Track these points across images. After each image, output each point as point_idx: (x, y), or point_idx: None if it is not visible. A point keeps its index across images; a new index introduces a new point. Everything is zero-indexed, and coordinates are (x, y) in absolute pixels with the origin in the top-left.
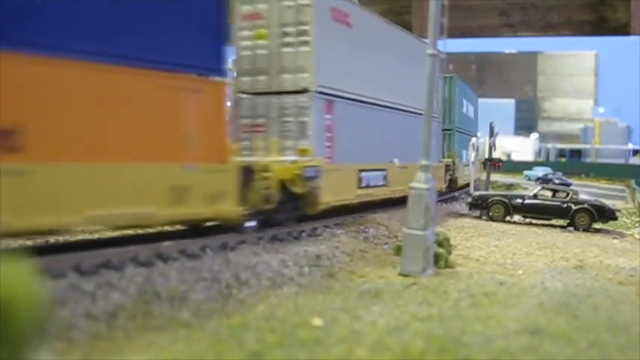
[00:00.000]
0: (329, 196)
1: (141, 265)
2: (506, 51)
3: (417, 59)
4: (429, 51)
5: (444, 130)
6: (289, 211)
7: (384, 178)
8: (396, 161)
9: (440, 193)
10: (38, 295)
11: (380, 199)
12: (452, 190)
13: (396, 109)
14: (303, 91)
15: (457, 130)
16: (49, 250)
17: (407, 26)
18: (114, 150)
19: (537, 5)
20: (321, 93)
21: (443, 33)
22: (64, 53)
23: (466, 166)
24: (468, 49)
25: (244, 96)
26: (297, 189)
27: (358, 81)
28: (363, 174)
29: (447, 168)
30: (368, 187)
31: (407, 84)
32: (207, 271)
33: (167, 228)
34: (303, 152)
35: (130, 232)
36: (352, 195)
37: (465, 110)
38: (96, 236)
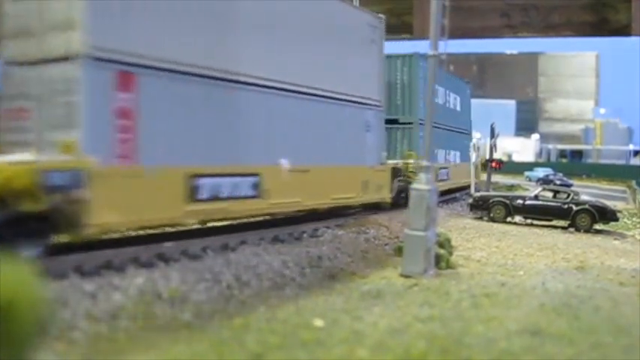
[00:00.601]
0: (111, 214)
1: (142, 266)
2: (508, 52)
3: (346, 31)
4: (431, 52)
5: (401, 123)
6: (10, 237)
7: (255, 186)
8: (284, 163)
9: (378, 207)
10: (39, 296)
11: (246, 217)
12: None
13: (292, 91)
14: (71, 56)
15: (423, 124)
16: (50, 251)
17: (408, 27)
18: None
19: (538, 6)
20: (103, 60)
21: (444, 34)
22: None
23: (442, 168)
24: (469, 50)
25: (9, 67)
26: (29, 205)
27: (199, 45)
28: (203, 181)
29: (397, 172)
30: (215, 199)
31: (323, 60)
32: (209, 271)
33: (168, 229)
34: (66, 149)
35: (132, 233)
36: (174, 212)
37: (441, 100)
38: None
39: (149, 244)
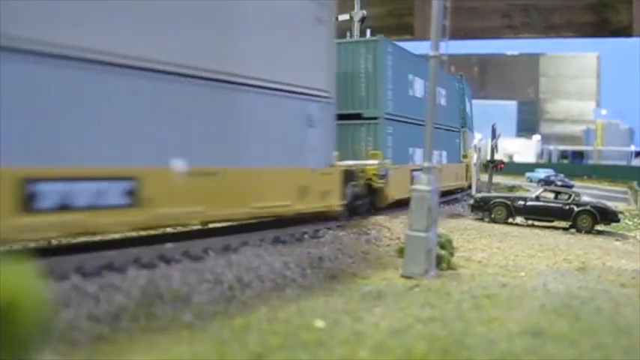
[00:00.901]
0: None
1: (143, 267)
2: (509, 53)
3: (279, 5)
4: (432, 53)
5: (365, 118)
6: None
7: (130, 193)
8: (178, 164)
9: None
10: (41, 297)
11: (119, 232)
12: (373, 207)
13: (192, 77)
14: None
15: (392, 119)
16: (52, 252)
17: (409, 28)
18: None
19: (539, 7)
20: None
21: (445, 35)
22: None
23: (417, 170)
24: (470, 51)
25: None
26: None
27: (37, 14)
28: (45, 187)
29: (350, 176)
30: (65, 210)
31: (243, 40)
32: (210, 272)
33: (169, 230)
34: None
35: (133, 234)
36: None
37: (418, 93)
38: (98, 238)
39: (151, 244)
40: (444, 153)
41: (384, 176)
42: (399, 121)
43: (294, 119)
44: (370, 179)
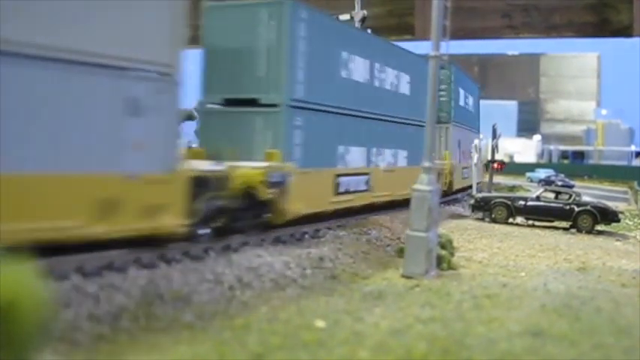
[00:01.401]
0: None
1: (144, 267)
2: (509, 53)
3: None
4: (433, 53)
5: (263, 105)
6: None
7: None
8: None
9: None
10: (42, 297)
11: None
12: (265, 224)
13: None
14: None
15: (304, 108)
16: (52, 252)
17: (410, 28)
18: None
19: (540, 7)
20: None
21: (445, 35)
22: None
23: (347, 175)
24: (470, 51)
25: None
26: None
27: None
28: None
29: (205, 184)
30: None
31: None
32: (210, 272)
33: None
34: None
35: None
36: None
37: (361, 77)
38: None
39: (151, 245)
40: (403, 153)
41: (278, 184)
42: (318, 110)
43: (97, 103)
44: (253, 188)
